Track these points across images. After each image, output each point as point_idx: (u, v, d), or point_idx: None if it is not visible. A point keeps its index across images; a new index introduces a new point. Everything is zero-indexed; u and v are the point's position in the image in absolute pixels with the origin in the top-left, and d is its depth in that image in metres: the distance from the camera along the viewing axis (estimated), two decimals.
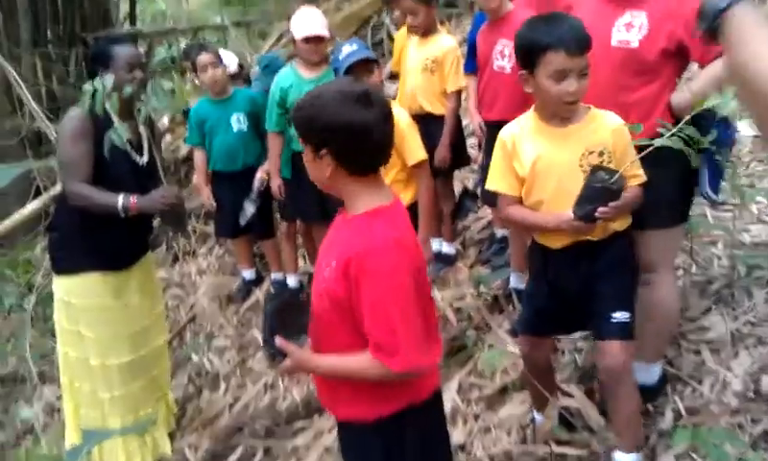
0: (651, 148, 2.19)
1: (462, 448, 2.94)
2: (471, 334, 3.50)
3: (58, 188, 3.72)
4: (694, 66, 2.58)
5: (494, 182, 2.49)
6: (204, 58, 4.60)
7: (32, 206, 5.72)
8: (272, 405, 3.79)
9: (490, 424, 3.00)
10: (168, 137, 6.61)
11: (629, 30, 2.50)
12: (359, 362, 1.82)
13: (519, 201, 2.45)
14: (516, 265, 3.69)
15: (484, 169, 3.57)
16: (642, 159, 2.27)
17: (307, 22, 4.00)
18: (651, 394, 2.74)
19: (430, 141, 3.54)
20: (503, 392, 3.13)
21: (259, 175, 4.58)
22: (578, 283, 2.42)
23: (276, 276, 4.85)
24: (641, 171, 2.34)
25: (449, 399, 3.13)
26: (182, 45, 9.35)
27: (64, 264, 3.39)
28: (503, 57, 3.53)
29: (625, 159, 2.29)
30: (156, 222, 3.96)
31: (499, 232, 4.27)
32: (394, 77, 5.26)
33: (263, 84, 4.41)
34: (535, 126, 2.41)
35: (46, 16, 8.62)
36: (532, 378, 2.71)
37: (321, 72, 3.98)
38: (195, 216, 5.94)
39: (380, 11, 7.75)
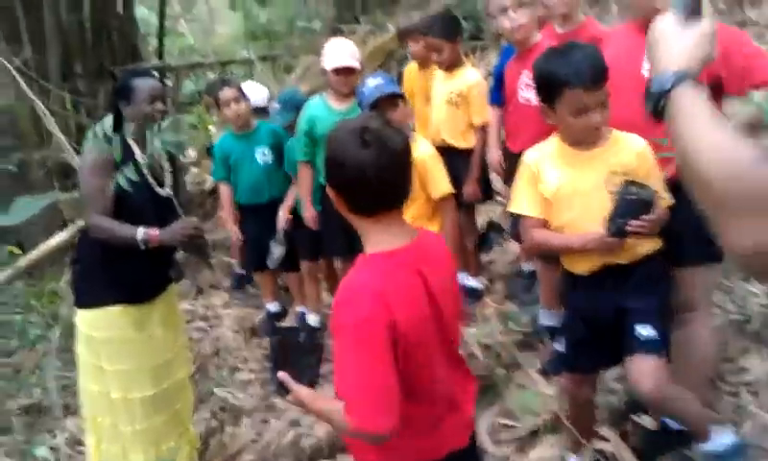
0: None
1: None
2: (500, 373, 3.42)
3: (83, 221, 3.73)
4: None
5: (518, 205, 2.49)
6: (226, 93, 4.62)
7: (58, 238, 5.74)
8: (295, 443, 3.72)
9: None
10: (194, 170, 6.63)
11: None
12: (335, 410, 1.72)
13: (544, 224, 2.42)
14: (545, 301, 3.62)
15: None
16: (680, 194, 2.21)
17: (338, 53, 4.01)
18: (688, 438, 2.65)
19: (452, 175, 3.52)
20: (534, 434, 3.04)
21: (282, 215, 4.57)
22: (610, 310, 2.37)
23: (300, 309, 4.82)
24: (667, 194, 2.31)
25: (478, 440, 3.05)
26: (209, 78, 9.49)
27: (86, 297, 3.37)
28: (529, 88, 3.50)
29: (649, 182, 2.27)
30: (179, 254, 3.96)
31: (527, 267, 4.21)
32: None
33: (283, 120, 4.40)
34: (559, 149, 2.40)
35: (75, 50, 8.77)
36: (567, 420, 2.64)
37: (350, 104, 3.96)
38: (220, 249, 5.93)
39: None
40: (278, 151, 4.63)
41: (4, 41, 7.40)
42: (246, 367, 4.57)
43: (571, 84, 2.21)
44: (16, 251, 5.55)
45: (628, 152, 2.30)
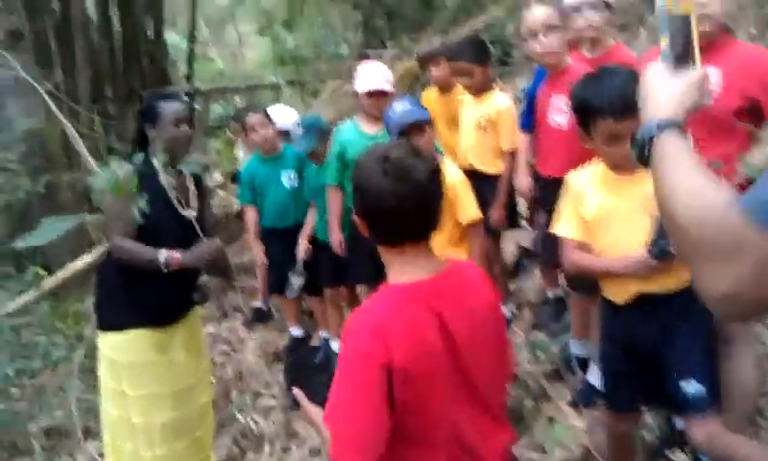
0: None
1: None
2: (529, 404, 3.33)
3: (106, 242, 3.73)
4: None
5: (560, 227, 2.47)
6: (253, 118, 4.65)
7: (84, 260, 5.76)
8: None
9: None
10: (221, 193, 6.64)
11: None
12: (327, 437, 1.66)
13: (584, 247, 2.38)
14: (576, 331, 3.53)
15: (542, 228, 3.45)
16: None
17: (371, 76, 3.98)
18: None
19: (479, 201, 3.46)
20: None
21: (301, 244, 4.55)
22: (649, 342, 2.30)
23: (323, 334, 4.77)
24: None
25: None
26: (237, 103, 9.56)
27: (108, 320, 3.34)
28: (560, 112, 3.44)
29: None
30: (204, 277, 3.95)
31: (552, 294, 4.13)
32: None
33: (306, 145, 4.36)
34: (601, 173, 2.38)
35: (105, 74, 8.88)
36: (598, 454, 2.56)
37: (382, 128, 3.92)
38: (244, 271, 5.91)
39: None
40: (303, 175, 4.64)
41: (35, 65, 7.50)
42: (268, 392, 4.52)
43: (603, 114, 2.20)
44: (42, 272, 5.57)
45: None
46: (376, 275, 1.84)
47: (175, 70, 10.48)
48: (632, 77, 2.23)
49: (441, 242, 3.04)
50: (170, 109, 3.24)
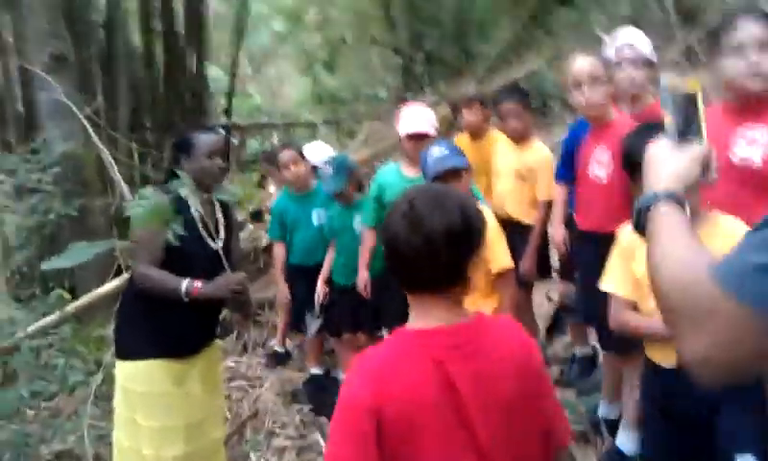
0: None
1: None
2: None
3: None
4: None
5: (609, 283, 2.39)
6: (286, 155, 4.67)
7: (109, 285, 5.75)
8: None
9: None
10: (251, 227, 6.63)
11: (751, 145, 2.32)
12: None
13: (633, 306, 2.30)
14: (606, 393, 3.40)
15: (582, 283, 3.34)
16: None
17: (414, 119, 3.93)
18: None
19: (512, 250, 3.38)
20: None
21: (319, 287, 4.49)
22: (694, 409, 2.16)
23: (341, 375, 4.67)
24: None
25: None
26: (274, 139, 9.63)
27: (127, 348, 3.31)
28: (600, 165, 3.35)
29: None
30: (226, 311, 3.90)
31: (581, 351, 4.03)
32: None
33: (336, 185, 4.28)
34: None
35: (146, 104, 9.02)
36: None
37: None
38: (269, 306, 5.85)
39: None
40: None
41: (77, 90, 7.62)
42: (283, 433, 4.41)
43: None
44: (66, 294, 5.55)
45: (725, 235, 2.12)
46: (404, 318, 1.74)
47: (214, 104, 10.60)
48: None
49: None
50: (204, 140, 3.25)
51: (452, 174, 3.11)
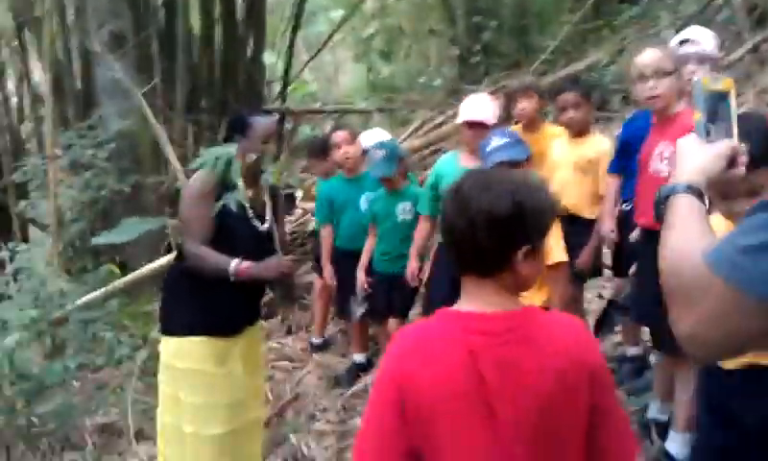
0: None
1: None
2: None
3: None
4: None
5: None
6: (339, 135, 4.65)
7: (160, 262, 5.80)
8: None
9: None
10: (300, 211, 6.63)
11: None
12: None
13: None
14: (658, 394, 3.28)
15: (637, 280, 3.23)
16: None
17: (473, 107, 3.87)
18: None
19: (566, 244, 3.27)
20: None
21: (360, 275, 4.45)
22: (756, 416, 2.03)
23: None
24: None
25: None
26: (326, 127, 9.61)
27: (171, 325, 3.33)
28: (662, 160, 3.21)
29: None
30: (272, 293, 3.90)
31: (631, 351, 3.92)
32: None
33: (387, 169, 4.23)
34: (718, 226, 2.14)
35: (202, 87, 9.08)
36: None
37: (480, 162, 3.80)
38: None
39: None
40: None
41: (135, 70, 7.71)
42: (324, 416, 4.40)
43: None
44: (115, 269, 5.63)
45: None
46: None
47: (269, 89, 10.63)
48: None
49: None
50: (261, 124, 3.27)
51: (511, 165, 3.04)
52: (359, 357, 4.81)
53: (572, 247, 3.54)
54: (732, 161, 1.40)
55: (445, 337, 1.54)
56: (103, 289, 5.48)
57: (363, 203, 4.58)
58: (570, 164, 3.95)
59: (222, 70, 9.34)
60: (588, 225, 3.85)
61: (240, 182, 3.18)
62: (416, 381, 1.51)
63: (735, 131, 1.43)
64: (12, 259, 5.24)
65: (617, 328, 4.19)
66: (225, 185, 3.11)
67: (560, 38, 8.88)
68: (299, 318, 5.68)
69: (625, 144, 3.69)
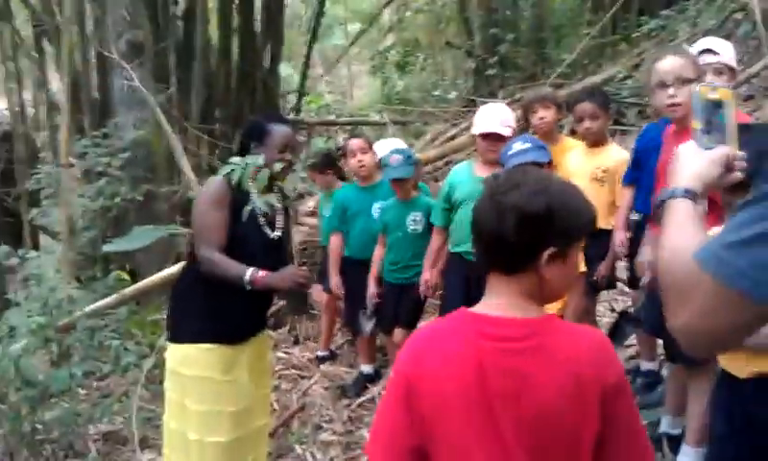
0: None
1: None
2: None
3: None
4: None
5: None
6: (354, 143, 4.64)
7: (168, 271, 5.78)
8: None
9: None
10: (309, 220, 6.59)
11: None
12: None
13: None
14: (670, 407, 3.21)
15: (650, 292, 3.16)
16: None
17: (487, 118, 3.80)
18: None
19: (584, 255, 3.22)
20: None
21: (370, 287, 4.40)
22: None
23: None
24: None
25: None
26: (340, 139, 9.61)
27: (179, 332, 3.28)
28: None
29: None
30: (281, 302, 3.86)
31: (645, 366, 3.87)
32: None
33: (402, 171, 4.20)
34: None
35: (218, 97, 9.12)
36: None
37: (494, 171, 3.74)
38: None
39: None
40: None
41: (152, 78, 7.74)
42: (330, 427, 4.34)
43: None
44: (125, 277, 5.61)
45: None
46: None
47: (284, 101, 10.67)
48: None
49: None
50: (279, 132, 3.22)
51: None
52: (367, 368, 4.76)
53: (588, 258, 3.50)
54: (728, 168, 1.45)
55: (457, 339, 1.53)
56: (111, 297, 5.46)
57: (375, 212, 4.54)
58: (587, 174, 3.89)
59: (238, 81, 9.39)
60: (605, 235, 3.79)
61: (254, 190, 3.11)
62: (424, 380, 1.51)
63: (733, 139, 1.48)
64: (22, 266, 5.24)
65: (631, 341, 4.11)
66: (239, 192, 3.07)
67: (577, 52, 8.83)
68: (307, 328, 5.63)
69: (638, 156, 3.66)
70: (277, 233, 3.31)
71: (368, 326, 4.47)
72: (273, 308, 4.04)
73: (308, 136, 9.82)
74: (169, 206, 7.29)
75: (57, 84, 8.80)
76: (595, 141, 3.97)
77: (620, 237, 3.68)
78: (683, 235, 1.29)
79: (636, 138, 4.02)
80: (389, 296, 4.36)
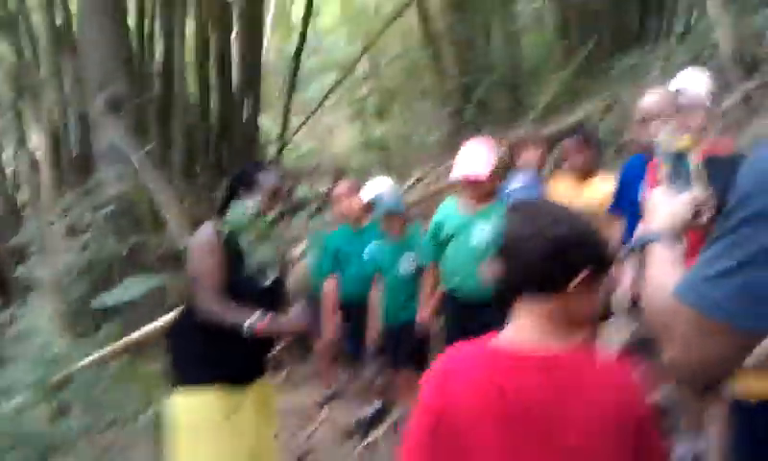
0: None
1: None
2: None
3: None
4: None
5: None
6: (340, 188, 4.70)
7: (162, 320, 5.73)
8: None
9: None
10: (303, 263, 6.59)
11: None
12: None
13: None
14: (684, 433, 3.27)
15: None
16: None
17: (465, 160, 3.84)
18: None
19: None
20: None
21: (371, 332, 4.43)
22: None
23: (400, 411, 4.52)
24: None
25: None
26: (321, 187, 9.68)
27: (182, 379, 3.26)
28: None
29: None
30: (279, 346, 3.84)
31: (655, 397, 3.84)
32: None
33: (396, 206, 4.26)
34: None
35: (199, 149, 9.17)
36: None
37: (482, 208, 3.79)
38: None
39: None
40: None
41: (132, 134, 7.75)
42: None
43: None
44: (118, 329, 5.56)
45: None
46: None
47: (264, 152, 10.72)
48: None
49: None
50: (267, 180, 3.25)
51: None
52: (371, 408, 4.75)
53: None
54: (696, 211, 1.56)
55: (482, 371, 1.53)
56: (106, 349, 5.40)
57: (367, 254, 4.56)
58: (580, 207, 3.95)
59: (218, 134, 9.45)
60: None
61: (249, 237, 3.16)
62: (451, 411, 1.51)
63: (698, 183, 1.60)
64: (11, 323, 5.17)
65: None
66: (229, 240, 3.10)
67: (552, 93, 8.99)
68: (306, 370, 5.59)
69: (620, 187, 3.72)
70: (270, 281, 3.29)
71: (371, 367, 4.47)
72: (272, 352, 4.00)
73: (293, 184, 9.86)
74: (156, 257, 7.24)
75: (36, 141, 8.77)
76: (584, 174, 4.04)
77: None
78: (662, 277, 1.35)
79: (621, 169, 4.09)
80: (388, 338, 4.35)
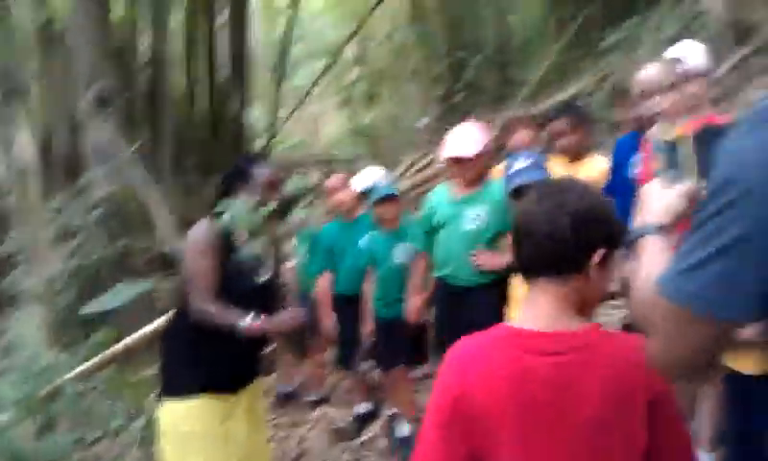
0: None
1: None
2: None
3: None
4: None
5: None
6: (331, 181, 4.64)
7: (152, 326, 5.66)
8: None
9: None
10: (297, 259, 6.52)
11: None
12: None
13: None
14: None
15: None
16: None
17: (453, 141, 3.75)
18: None
19: None
20: None
21: (365, 327, 4.35)
22: None
23: (389, 411, 4.45)
24: None
25: None
26: (312, 177, 9.59)
27: (171, 387, 3.17)
28: None
29: None
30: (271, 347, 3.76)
31: None
32: None
33: (391, 190, 4.19)
34: None
35: (188, 146, 9.10)
36: None
37: (472, 192, 3.69)
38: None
39: None
40: None
41: (121, 132, 7.65)
42: None
43: None
44: (108, 337, 5.48)
45: None
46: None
47: (253, 145, 10.65)
48: None
49: None
50: (263, 173, 3.17)
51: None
52: (363, 407, 4.68)
53: None
54: (692, 201, 1.54)
55: (501, 353, 1.54)
56: (95, 358, 5.31)
57: (361, 245, 4.48)
58: None
59: (207, 128, 9.38)
60: None
61: (245, 232, 3.08)
62: (470, 396, 1.53)
63: (691, 173, 1.62)
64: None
65: None
66: (224, 236, 3.02)
67: (542, 71, 8.89)
68: (301, 373, 5.50)
69: (618, 162, 3.64)
70: (265, 278, 3.23)
71: (364, 364, 4.40)
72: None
73: (284, 176, 9.80)
74: (145, 260, 7.17)
75: (24, 145, 8.66)
76: (575, 155, 3.95)
77: None
78: (651, 269, 1.35)
79: (612, 150, 3.99)
80: (380, 332, 4.28)
